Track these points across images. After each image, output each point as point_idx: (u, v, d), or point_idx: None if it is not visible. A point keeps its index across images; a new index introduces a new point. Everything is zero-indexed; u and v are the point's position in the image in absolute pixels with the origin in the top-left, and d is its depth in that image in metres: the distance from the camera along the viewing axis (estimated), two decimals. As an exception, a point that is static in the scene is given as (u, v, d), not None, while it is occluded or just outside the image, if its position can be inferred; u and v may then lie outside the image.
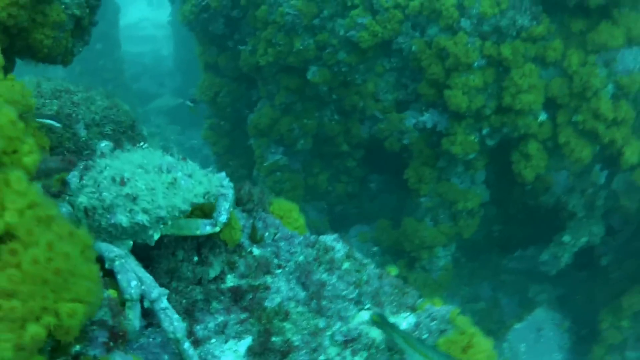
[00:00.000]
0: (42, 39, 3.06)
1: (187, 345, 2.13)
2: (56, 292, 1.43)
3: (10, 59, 3.12)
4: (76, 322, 1.47)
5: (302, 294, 2.53)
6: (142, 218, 2.20)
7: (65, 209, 2.31)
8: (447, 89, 7.01)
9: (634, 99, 6.68)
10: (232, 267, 2.59)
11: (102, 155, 2.53)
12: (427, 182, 7.76)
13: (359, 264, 2.64)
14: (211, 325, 2.43)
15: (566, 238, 7.46)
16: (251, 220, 2.76)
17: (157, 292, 2.14)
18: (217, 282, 2.54)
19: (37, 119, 2.78)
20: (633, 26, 6.51)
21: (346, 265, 2.62)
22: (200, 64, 10.11)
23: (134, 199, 2.20)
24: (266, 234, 2.74)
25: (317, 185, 9.21)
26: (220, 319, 2.45)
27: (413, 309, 2.52)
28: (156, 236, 2.30)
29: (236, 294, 2.51)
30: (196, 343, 2.35)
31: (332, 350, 2.37)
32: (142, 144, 2.70)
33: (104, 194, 2.22)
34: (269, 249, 2.70)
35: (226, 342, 2.40)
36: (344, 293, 2.52)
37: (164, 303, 2.12)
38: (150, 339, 2.28)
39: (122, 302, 2.11)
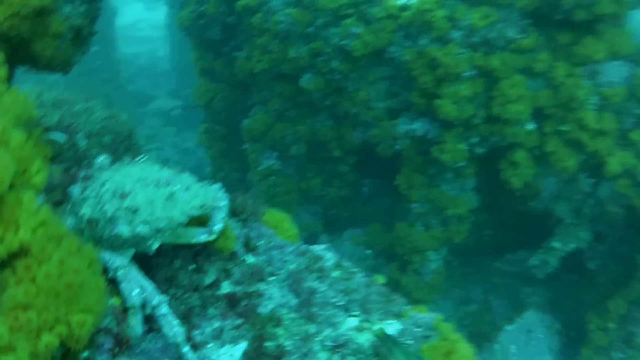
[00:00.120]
0: (43, 49, 3.09)
1: (186, 349, 2.21)
2: (67, 304, 1.55)
3: (12, 68, 3.14)
4: (86, 331, 1.59)
5: (293, 301, 2.62)
6: (142, 229, 2.29)
7: (69, 220, 2.43)
8: (437, 98, 7.05)
9: (617, 111, 6.76)
10: (227, 274, 2.67)
11: (101, 168, 2.65)
12: (417, 188, 7.79)
13: (347, 272, 2.74)
14: (208, 330, 2.51)
15: (555, 244, 7.53)
16: (245, 230, 2.85)
17: (157, 299, 2.23)
18: (213, 289, 2.61)
19: (45, 134, 2.87)
20: (615, 41, 6.61)
21: (336, 273, 2.73)
22: (196, 69, 10.12)
23: (134, 211, 2.30)
24: (260, 243, 2.83)
25: (311, 190, 9.22)
26: (217, 324, 2.52)
27: (399, 316, 2.60)
28: (155, 246, 2.38)
29: (231, 301, 2.59)
30: (194, 347, 2.42)
31: (322, 355, 2.43)
32: (140, 157, 2.82)
33: (106, 206, 2.31)
34: (262, 258, 2.78)
35: (222, 346, 2.47)
36: (334, 300, 2.61)
37: (165, 309, 2.22)
38: (152, 344, 2.35)
39: (125, 309, 2.20)
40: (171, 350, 2.31)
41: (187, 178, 2.51)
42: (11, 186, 1.66)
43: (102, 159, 2.71)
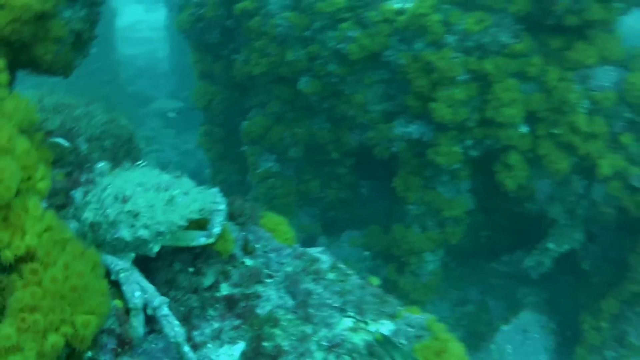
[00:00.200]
0: (44, 54, 3.10)
1: (187, 348, 2.26)
2: (72, 306, 1.61)
3: (13, 72, 3.16)
4: (90, 332, 1.65)
5: (290, 302, 2.67)
6: (143, 233, 2.35)
7: (73, 224, 2.49)
8: (432, 101, 7.10)
9: (608, 115, 6.82)
10: (226, 276, 2.72)
11: (101, 174, 2.70)
12: (414, 190, 7.82)
13: (343, 274, 2.81)
14: (207, 331, 2.56)
15: (550, 245, 7.58)
16: (243, 233, 2.91)
17: (158, 300, 2.29)
18: (212, 291, 2.66)
19: (50, 139, 2.91)
20: (605, 46, 6.68)
21: (331, 275, 2.79)
22: (195, 72, 10.13)
23: (135, 215, 2.36)
24: (257, 245, 2.89)
25: (309, 192, 9.24)
26: (216, 325, 2.57)
27: (392, 317, 2.66)
28: (156, 249, 2.45)
29: (230, 302, 2.64)
30: (194, 347, 2.47)
31: (318, 355, 2.48)
32: (140, 161, 2.88)
33: (108, 210, 2.38)
34: (260, 260, 2.83)
35: (221, 346, 2.51)
36: (329, 301, 2.67)
37: (165, 310, 2.27)
38: (153, 345, 2.41)
39: (127, 311, 2.26)
40: (172, 350, 2.36)
41: (186, 182, 2.56)
42: (17, 192, 1.72)
43: (101, 165, 2.76)
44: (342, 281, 2.78)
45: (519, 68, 6.94)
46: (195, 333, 2.55)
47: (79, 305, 1.63)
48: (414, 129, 7.56)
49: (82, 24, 3.33)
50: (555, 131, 6.95)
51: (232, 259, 2.77)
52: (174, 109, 12.76)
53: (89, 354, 1.84)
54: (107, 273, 2.25)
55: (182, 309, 2.59)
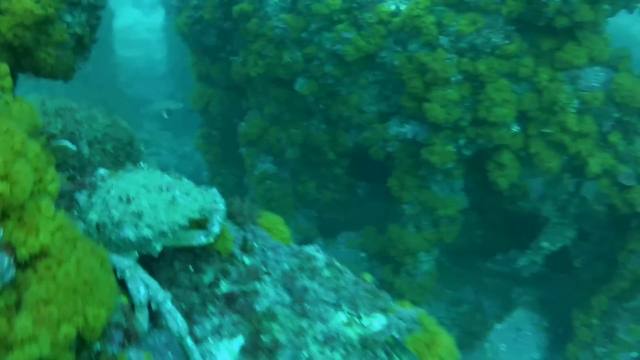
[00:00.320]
0: (45, 58, 3.10)
1: (189, 342, 2.34)
2: (84, 299, 1.70)
3: (15, 76, 3.17)
4: (100, 324, 1.74)
5: (287, 299, 2.75)
6: (146, 232, 2.42)
7: (79, 225, 2.58)
8: (426, 102, 7.17)
9: (597, 114, 6.90)
10: (225, 274, 2.78)
11: (103, 179, 2.75)
12: (409, 190, 7.88)
13: (337, 271, 2.90)
14: (208, 326, 2.61)
15: (544, 243, 7.65)
16: (242, 232, 2.98)
17: (162, 296, 2.37)
18: (212, 288, 2.72)
19: (57, 142, 2.99)
20: (594, 47, 6.77)
21: (326, 272, 2.89)
22: (194, 74, 10.17)
23: (139, 215, 2.43)
24: (255, 244, 2.95)
25: (306, 193, 9.30)
26: (216, 320, 2.62)
27: (385, 311, 2.74)
28: (159, 248, 2.52)
29: (229, 299, 2.70)
30: (195, 342, 2.51)
31: (314, 348, 2.56)
32: (142, 164, 2.97)
33: (113, 211, 2.45)
34: (258, 258, 2.90)
35: (221, 341, 2.57)
36: (325, 297, 2.76)
37: (169, 305, 2.35)
38: (156, 339, 2.46)
39: (132, 307, 2.34)
40: (174, 344, 2.44)
41: (186, 183, 2.65)
42: (30, 194, 1.82)
43: (102, 171, 2.82)
44: (336, 278, 2.87)
45: (510, 69, 7.01)
46: (196, 328, 2.60)
47: (90, 298, 1.71)
48: (408, 129, 7.63)
49: (83, 28, 3.33)
50: (546, 130, 7.01)
51: (231, 257, 2.82)
52: (173, 109, 12.73)
53: (98, 346, 1.93)
54: (113, 271, 2.35)
55: (184, 306, 2.64)
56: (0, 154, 1.64)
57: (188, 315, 2.63)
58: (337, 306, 2.75)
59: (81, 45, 3.42)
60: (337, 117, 8.40)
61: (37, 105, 3.83)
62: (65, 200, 2.87)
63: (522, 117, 7.16)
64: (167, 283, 2.70)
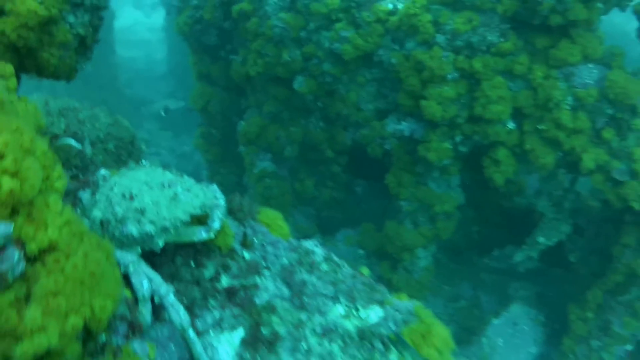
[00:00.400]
0: (49, 58, 3.17)
1: (191, 333, 2.40)
2: (91, 291, 1.75)
3: (18, 77, 3.20)
4: (106, 315, 1.80)
5: (286, 292, 2.80)
6: (149, 228, 2.47)
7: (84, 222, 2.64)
8: (423, 99, 7.21)
9: (590, 111, 6.95)
10: (226, 269, 2.83)
11: (104, 179, 2.80)
12: (406, 186, 7.92)
13: (335, 265, 2.96)
14: (209, 319, 2.65)
15: (540, 239, 7.71)
16: (242, 228, 3.03)
17: (165, 289, 2.43)
18: (213, 282, 2.76)
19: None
20: (588, 45, 6.81)
21: (324, 266, 2.94)
22: (194, 73, 10.20)
23: (142, 211, 2.48)
24: (255, 239, 3.01)
25: (305, 191, 9.34)
26: (217, 314, 2.67)
27: (381, 303, 2.80)
28: (161, 243, 2.56)
29: (230, 293, 2.74)
30: (197, 335, 2.54)
31: (313, 340, 2.61)
32: (144, 162, 3.02)
33: (116, 208, 2.50)
34: (257, 253, 2.95)
35: (222, 333, 2.62)
36: (323, 291, 2.81)
37: (172, 298, 2.41)
38: (159, 332, 2.52)
39: (136, 301, 2.38)
40: (176, 337, 2.50)
41: (187, 180, 2.70)
42: (39, 191, 1.88)
43: (103, 172, 2.87)
44: (334, 272, 2.93)
45: (506, 66, 7.06)
46: (197, 322, 2.64)
47: (97, 290, 1.76)
48: (405, 126, 7.68)
49: (86, 29, 3.38)
50: (541, 127, 7.06)
51: (231, 252, 2.86)
52: (170, 108, 12.74)
53: (103, 337, 1.97)
54: (117, 266, 2.41)
55: (185, 300, 2.68)
56: (10, 151, 1.69)
57: (190, 309, 2.66)
58: (335, 299, 2.80)
59: (84, 46, 3.47)
60: (335, 115, 8.43)
61: (40, 105, 3.89)
62: (70, 199, 2.92)
63: (518, 114, 7.21)
64: (169, 278, 2.74)
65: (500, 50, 6.97)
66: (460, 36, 7.02)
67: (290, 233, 3.20)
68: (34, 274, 1.74)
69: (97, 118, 4.05)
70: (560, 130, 6.92)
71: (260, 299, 2.74)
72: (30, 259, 1.76)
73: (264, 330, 2.61)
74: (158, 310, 2.50)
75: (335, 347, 2.61)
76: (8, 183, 1.68)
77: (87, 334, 1.88)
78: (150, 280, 2.48)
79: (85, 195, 2.80)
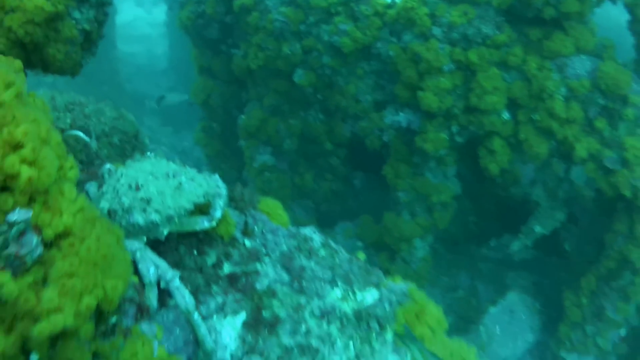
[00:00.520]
0: (55, 54, 3.19)
1: (196, 316, 2.48)
2: (103, 272, 1.84)
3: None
4: (117, 295, 1.88)
5: (286, 277, 2.88)
6: (155, 217, 2.55)
7: (91, 214, 2.74)
8: (420, 90, 7.30)
9: (583, 101, 7.02)
10: (227, 256, 2.90)
11: (110, 172, 2.87)
12: (403, 177, 8.00)
13: (332, 250, 3.07)
14: (212, 305, 2.72)
15: (535, 227, 7.78)
16: (243, 217, 3.11)
17: (171, 274, 2.50)
18: (216, 269, 2.84)
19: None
20: (580, 37, 6.89)
21: (322, 252, 3.04)
22: (195, 67, 10.23)
23: (147, 201, 2.56)
24: (256, 228, 3.09)
25: (304, 185, 9.39)
26: (220, 299, 2.73)
27: (377, 285, 2.92)
28: (166, 232, 2.65)
29: (232, 279, 2.82)
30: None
31: (312, 322, 2.70)
32: (149, 153, 3.12)
33: (123, 198, 2.58)
34: (258, 241, 3.02)
35: (225, 317, 2.70)
36: (321, 275, 2.91)
37: (177, 282, 2.49)
38: (164, 317, 2.60)
39: (143, 286, 2.47)
40: (181, 321, 2.59)
41: (190, 170, 2.79)
42: (54, 179, 1.98)
43: (108, 166, 2.93)
44: (332, 257, 3.02)
45: (501, 58, 7.14)
46: (201, 307, 2.70)
47: (108, 272, 1.85)
48: (402, 117, 7.75)
49: (91, 24, 3.39)
50: (535, 117, 7.14)
51: (233, 240, 2.93)
52: (163, 98, 12.71)
53: (114, 318, 2.05)
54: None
55: (189, 286, 2.73)
56: (29, 141, 1.77)
57: (193, 295, 2.69)
58: (332, 283, 2.90)
59: (89, 41, 3.50)
60: (334, 108, 8.50)
61: (47, 101, 3.97)
62: (78, 190, 3.02)
63: (512, 105, 7.28)
64: (174, 266, 2.77)
65: (495, 43, 7.05)
66: (456, 29, 7.09)
67: (289, 221, 3.30)
68: (50, 258, 1.82)
69: (102, 112, 4.13)
70: (553, 120, 6.99)
71: (261, 284, 2.81)
72: (47, 244, 1.83)
73: (265, 314, 2.69)
74: (163, 296, 2.58)
75: (333, 328, 2.71)
76: (27, 171, 1.76)
77: (99, 316, 1.96)
78: (156, 266, 2.55)
79: (91, 188, 2.88)
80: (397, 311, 2.79)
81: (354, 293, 2.90)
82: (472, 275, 9.12)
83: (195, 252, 2.88)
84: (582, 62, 6.99)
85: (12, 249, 1.74)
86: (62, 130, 3.82)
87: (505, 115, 7.31)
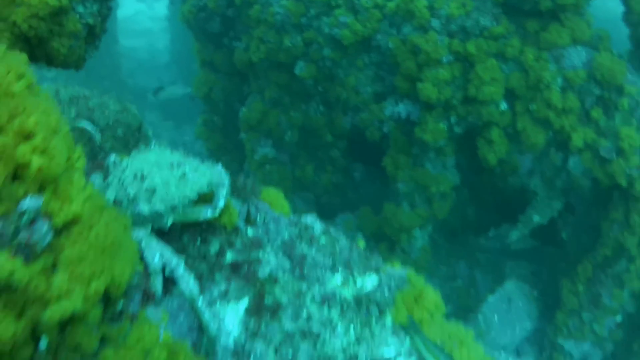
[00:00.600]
0: (59, 48, 3.20)
1: (200, 302, 2.54)
2: (111, 258, 1.89)
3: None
4: (124, 280, 1.93)
5: (287, 264, 2.92)
6: (159, 207, 2.59)
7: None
8: (419, 81, 7.34)
9: (579, 91, 7.07)
10: (230, 245, 2.93)
11: (115, 164, 2.91)
12: (403, 168, 8.05)
13: (333, 238, 3.12)
14: (215, 292, 2.76)
15: (533, 217, 7.85)
16: (246, 206, 3.14)
17: (175, 261, 2.56)
18: (219, 258, 2.87)
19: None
20: (576, 28, 6.94)
21: (323, 240, 3.09)
22: (197, 61, 10.26)
23: (152, 191, 2.60)
24: (258, 216, 3.12)
25: (304, 177, 9.43)
26: (223, 287, 2.76)
27: (376, 271, 2.98)
28: (170, 222, 2.68)
29: (235, 267, 2.85)
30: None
31: (313, 307, 2.76)
32: (153, 144, 3.17)
33: (128, 188, 2.62)
34: (260, 229, 3.05)
35: (228, 304, 2.74)
36: (322, 262, 2.96)
37: (182, 269, 2.55)
38: (169, 304, 2.64)
39: (148, 274, 2.53)
40: (185, 307, 2.63)
41: (194, 160, 2.84)
42: (63, 168, 2.04)
43: (113, 158, 2.97)
44: (332, 244, 3.08)
45: (498, 49, 7.19)
46: (205, 294, 2.74)
47: (116, 257, 1.90)
48: (401, 108, 7.81)
49: (95, 18, 3.43)
50: (532, 107, 7.20)
51: (236, 229, 2.96)
52: (160, 89, 12.70)
53: (121, 304, 2.10)
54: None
55: (193, 274, 2.72)
56: (40, 130, 1.82)
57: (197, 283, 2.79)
58: (333, 269, 2.95)
59: (92, 35, 3.54)
60: (335, 100, 8.53)
61: (52, 94, 4.02)
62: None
63: (510, 95, 7.34)
64: (177, 254, 2.85)
65: (493, 34, 7.11)
66: (455, 20, 7.15)
67: (291, 210, 3.36)
68: (59, 245, 1.86)
69: (106, 105, 4.17)
70: (550, 110, 7.05)
71: (263, 271, 2.85)
72: (57, 231, 1.87)
73: (267, 300, 2.74)
74: (167, 284, 2.62)
75: (334, 313, 2.76)
76: (38, 160, 1.81)
77: (107, 302, 2.01)
78: (161, 254, 2.60)
79: (96, 179, 2.90)
80: (396, 296, 2.85)
81: (354, 279, 2.94)
82: (471, 264, 9.17)
83: (198, 240, 2.91)
84: (578, 53, 7.04)
85: (24, 236, 1.79)
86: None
87: (503, 105, 7.36)
